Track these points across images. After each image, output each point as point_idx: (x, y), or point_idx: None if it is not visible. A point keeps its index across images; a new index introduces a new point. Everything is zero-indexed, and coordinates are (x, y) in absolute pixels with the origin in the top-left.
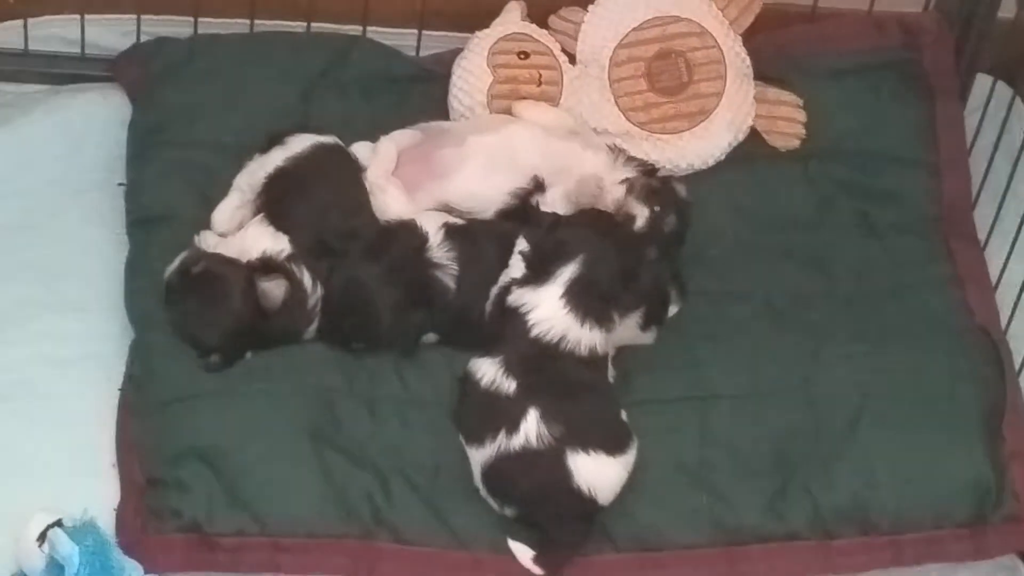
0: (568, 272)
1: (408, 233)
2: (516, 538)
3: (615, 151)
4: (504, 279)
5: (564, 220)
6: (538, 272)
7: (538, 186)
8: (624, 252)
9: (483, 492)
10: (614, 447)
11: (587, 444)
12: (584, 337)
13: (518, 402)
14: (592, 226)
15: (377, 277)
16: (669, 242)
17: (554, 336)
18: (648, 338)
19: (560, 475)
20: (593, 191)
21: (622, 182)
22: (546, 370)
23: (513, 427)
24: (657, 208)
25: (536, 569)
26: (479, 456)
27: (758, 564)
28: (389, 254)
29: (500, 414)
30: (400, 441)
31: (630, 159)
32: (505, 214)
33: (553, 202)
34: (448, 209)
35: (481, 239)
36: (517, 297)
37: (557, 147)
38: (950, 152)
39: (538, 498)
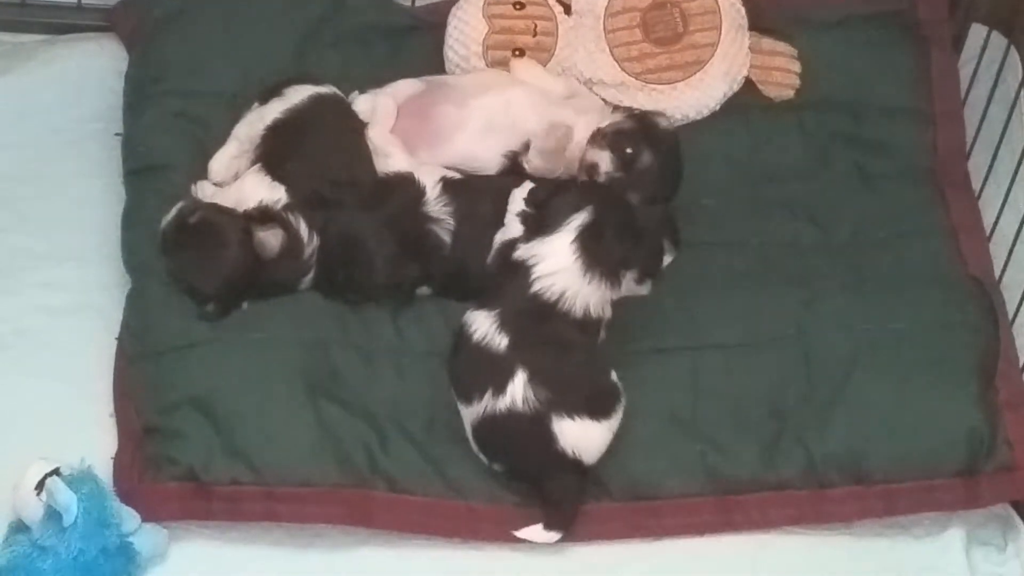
0: (580, 219)
1: (405, 186)
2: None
3: (608, 104)
4: (502, 236)
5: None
6: (547, 223)
7: (525, 148)
8: (629, 210)
9: (474, 447)
10: (599, 411)
11: (572, 409)
12: (583, 293)
13: (507, 361)
14: (592, 189)
15: (373, 229)
16: (650, 179)
17: (554, 294)
18: (643, 290)
19: (544, 438)
20: (561, 138)
21: (591, 137)
22: (539, 328)
23: (500, 388)
24: (628, 150)
25: (550, 536)
26: (468, 413)
27: (752, 513)
28: (386, 207)
29: (489, 373)
30: (396, 391)
31: (624, 109)
32: (501, 174)
33: (532, 159)
34: (448, 168)
35: (478, 194)
36: (525, 251)
37: (553, 112)
38: (945, 102)
39: (524, 457)
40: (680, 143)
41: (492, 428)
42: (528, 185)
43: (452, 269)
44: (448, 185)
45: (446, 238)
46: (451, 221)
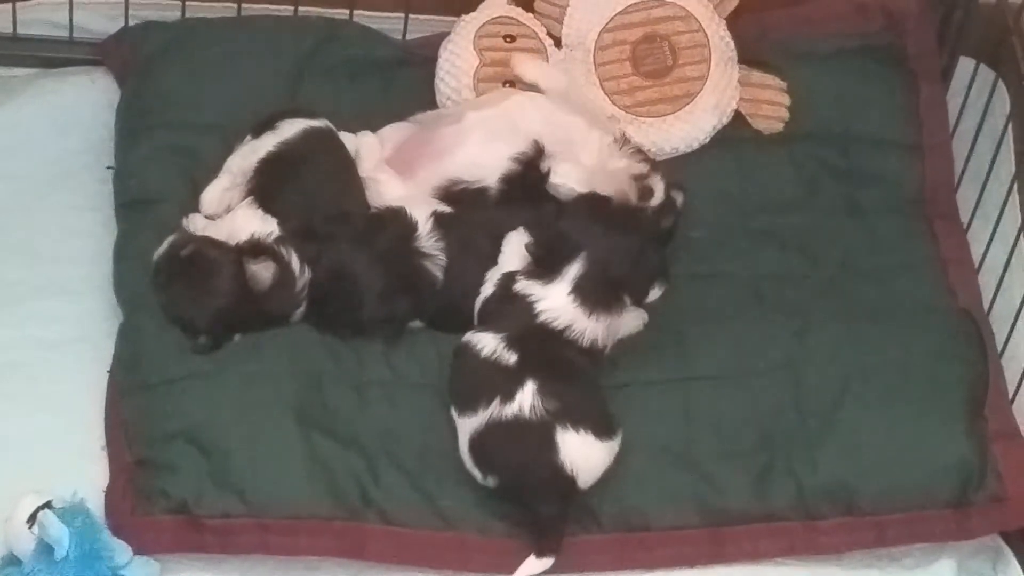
0: (574, 270)
1: (397, 221)
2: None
3: (620, 139)
4: (497, 271)
5: (565, 209)
6: (545, 268)
7: (539, 152)
8: (629, 234)
9: (467, 463)
10: (603, 431)
11: (577, 423)
12: (590, 328)
13: (517, 373)
14: (593, 214)
15: (364, 264)
16: (659, 236)
17: (560, 323)
18: (638, 327)
19: (546, 449)
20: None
21: (643, 160)
22: (548, 348)
23: (508, 396)
24: (672, 191)
25: (544, 563)
26: (469, 425)
27: (742, 545)
28: (377, 241)
29: (497, 383)
30: (388, 423)
31: (635, 150)
32: (508, 180)
33: (566, 177)
34: (453, 183)
35: (470, 229)
36: (525, 287)
37: (561, 119)
38: (933, 135)
39: (521, 468)
40: None
41: (493, 436)
42: (522, 232)
43: (444, 304)
44: (440, 220)
45: (438, 273)
46: (443, 256)
